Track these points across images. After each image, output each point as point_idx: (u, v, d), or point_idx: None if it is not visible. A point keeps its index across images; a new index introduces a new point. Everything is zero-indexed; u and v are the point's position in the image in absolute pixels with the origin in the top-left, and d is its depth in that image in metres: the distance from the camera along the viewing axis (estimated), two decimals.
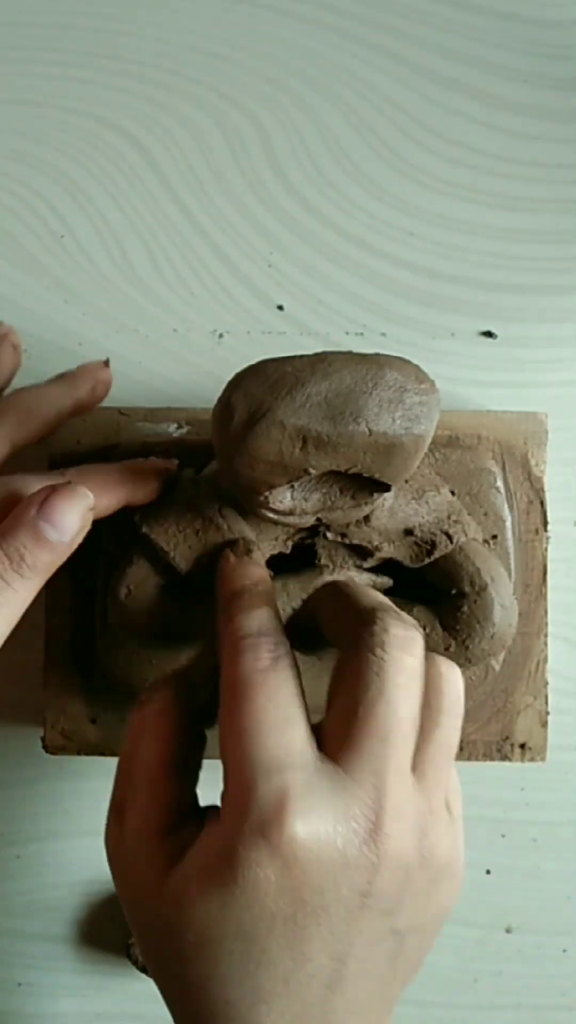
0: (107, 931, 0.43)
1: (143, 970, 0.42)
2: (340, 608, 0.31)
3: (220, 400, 0.31)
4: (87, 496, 0.32)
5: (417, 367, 0.30)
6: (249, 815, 0.26)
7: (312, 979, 0.27)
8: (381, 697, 0.27)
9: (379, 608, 0.29)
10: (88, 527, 0.32)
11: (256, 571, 0.33)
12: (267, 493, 0.32)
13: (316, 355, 0.30)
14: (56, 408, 0.39)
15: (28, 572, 0.31)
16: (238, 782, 0.26)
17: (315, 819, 0.26)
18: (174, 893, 0.27)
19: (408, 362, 0.30)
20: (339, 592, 0.32)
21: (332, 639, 0.31)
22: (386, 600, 0.30)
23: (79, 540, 0.32)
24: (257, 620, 0.30)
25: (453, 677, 0.30)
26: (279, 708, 0.27)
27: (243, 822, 0.26)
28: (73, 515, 0.31)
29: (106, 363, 0.41)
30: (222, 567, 0.33)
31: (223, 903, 0.26)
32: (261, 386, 0.30)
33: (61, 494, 0.31)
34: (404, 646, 0.28)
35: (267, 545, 0.35)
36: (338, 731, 0.28)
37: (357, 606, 0.30)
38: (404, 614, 0.29)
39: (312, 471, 0.30)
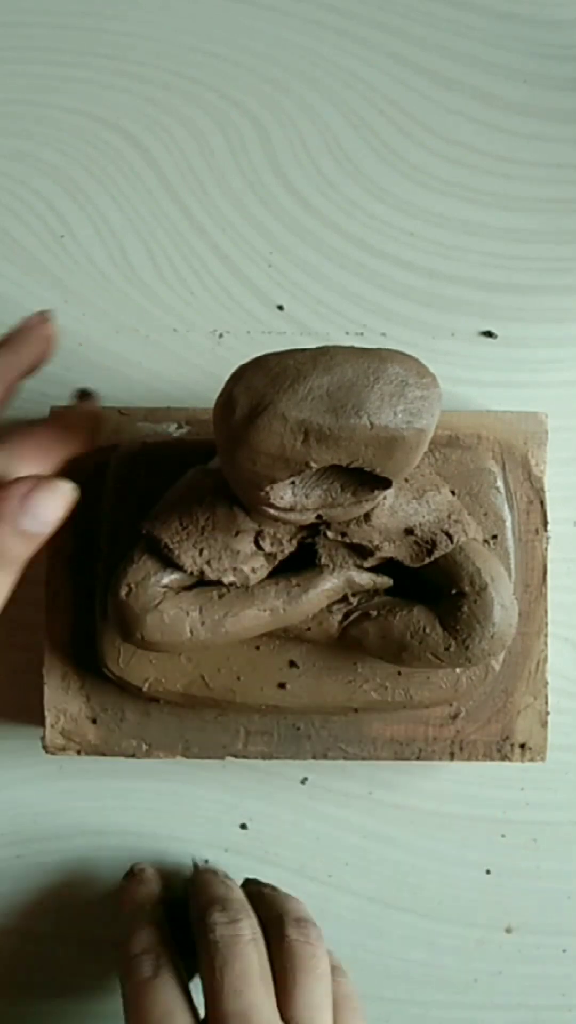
0: (107, 931, 0.43)
1: None
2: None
3: (222, 393, 0.31)
4: (68, 491, 0.33)
5: (418, 361, 0.30)
6: None
7: None
8: (227, 962, 0.35)
9: (206, 904, 0.38)
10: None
11: (143, 891, 0.41)
12: (268, 488, 0.32)
13: (318, 349, 0.30)
14: (4, 382, 0.37)
15: (6, 565, 0.33)
16: None
17: None
18: None
19: (410, 356, 0.31)
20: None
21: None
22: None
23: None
24: (140, 940, 0.38)
25: (301, 946, 0.37)
26: (162, 1006, 0.35)
27: None
28: (58, 508, 0.33)
29: (44, 316, 0.38)
30: (118, 892, 0.42)
31: None
32: (263, 379, 0.30)
33: (45, 489, 0.33)
34: (232, 924, 0.37)
35: (270, 544, 0.35)
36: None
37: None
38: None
39: (313, 465, 0.30)
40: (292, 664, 0.39)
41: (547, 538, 0.41)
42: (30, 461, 0.35)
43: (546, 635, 0.41)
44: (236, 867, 0.43)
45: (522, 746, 0.41)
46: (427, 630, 0.36)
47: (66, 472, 0.41)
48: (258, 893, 0.41)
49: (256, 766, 0.43)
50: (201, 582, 0.36)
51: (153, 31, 0.45)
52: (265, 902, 0.40)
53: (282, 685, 0.39)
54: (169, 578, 0.36)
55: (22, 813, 0.44)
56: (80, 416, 0.37)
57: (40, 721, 0.41)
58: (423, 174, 0.45)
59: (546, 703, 0.41)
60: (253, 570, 0.36)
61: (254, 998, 0.34)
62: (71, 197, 0.45)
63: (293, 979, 0.36)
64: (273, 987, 0.36)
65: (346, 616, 0.37)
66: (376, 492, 0.33)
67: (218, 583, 0.36)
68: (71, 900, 0.44)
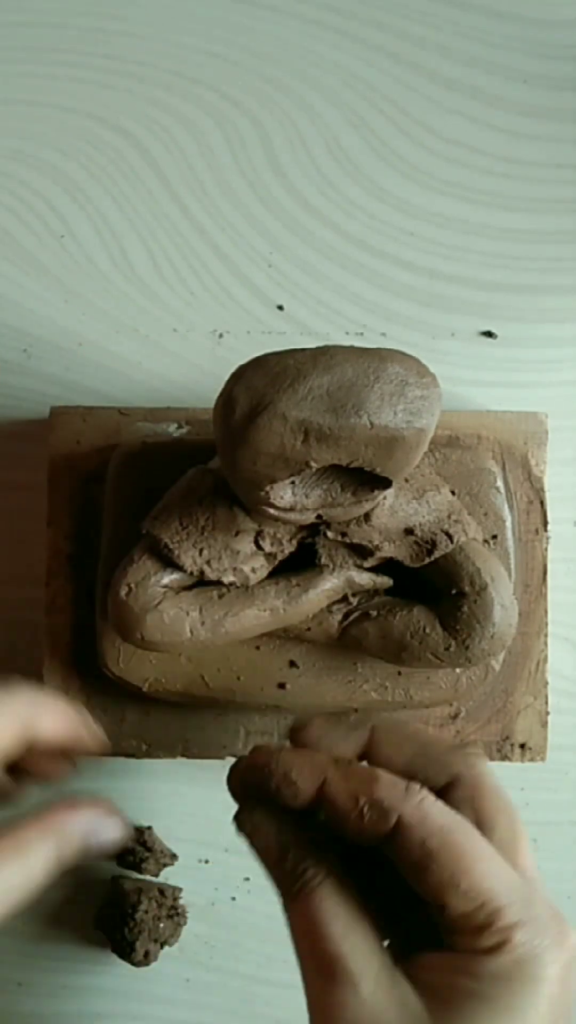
0: (107, 931, 0.43)
1: (138, 965, 0.42)
2: (422, 753, 0.31)
3: (222, 393, 0.31)
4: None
5: (418, 361, 0.30)
6: (542, 929, 0.27)
7: None
8: (509, 803, 0.30)
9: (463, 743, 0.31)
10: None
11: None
12: (268, 488, 0.32)
13: (318, 348, 0.30)
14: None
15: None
16: (507, 909, 0.27)
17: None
18: None
19: (409, 356, 0.31)
20: (415, 739, 0.31)
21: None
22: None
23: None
24: None
25: None
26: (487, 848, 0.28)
27: (540, 935, 0.27)
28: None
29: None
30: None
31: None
32: (263, 379, 0.30)
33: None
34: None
35: (270, 544, 0.35)
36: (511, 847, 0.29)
37: (440, 746, 0.31)
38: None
39: (313, 464, 0.30)
40: (292, 664, 0.39)
41: (547, 538, 0.41)
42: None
43: (546, 635, 0.41)
44: (236, 867, 0.43)
45: (522, 746, 0.41)
46: (427, 630, 0.36)
47: (65, 472, 0.41)
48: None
49: None
50: (201, 582, 0.36)
51: (153, 31, 0.45)
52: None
53: (282, 685, 0.39)
54: (169, 578, 0.36)
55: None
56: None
57: None
58: (423, 174, 0.45)
59: (546, 703, 0.41)
60: (253, 570, 0.36)
61: None
62: (71, 197, 0.45)
63: None
64: None
65: (346, 616, 0.37)
66: (376, 492, 0.33)
67: (218, 583, 0.36)
68: (71, 900, 0.44)
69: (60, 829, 0.32)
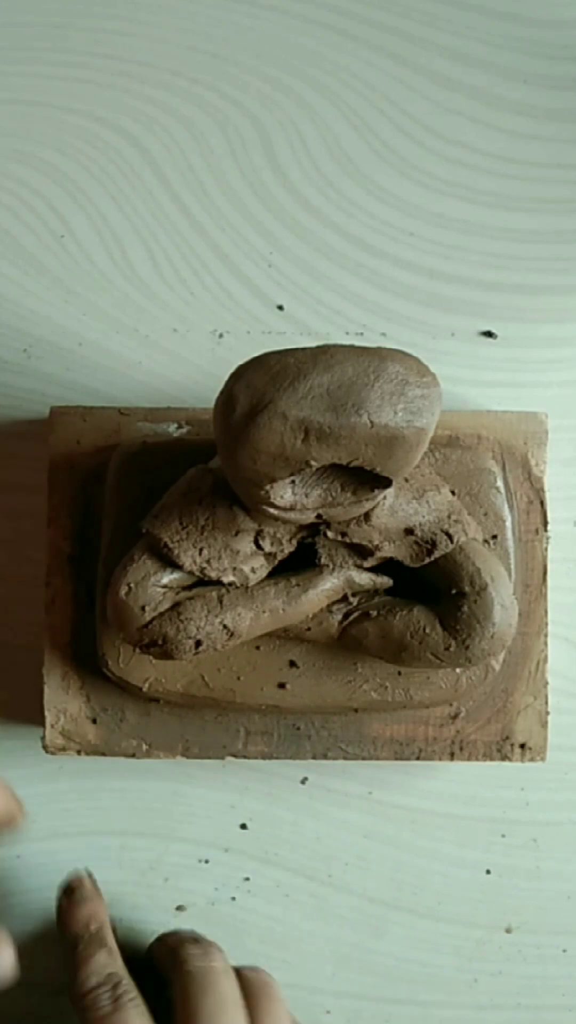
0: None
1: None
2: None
3: (222, 392, 0.31)
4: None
5: (418, 360, 0.31)
6: None
7: None
8: (204, 992, 0.35)
9: (178, 942, 0.38)
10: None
11: (85, 911, 0.39)
12: (268, 487, 0.32)
13: (318, 347, 0.30)
14: None
15: None
16: None
17: None
18: None
19: (410, 355, 0.31)
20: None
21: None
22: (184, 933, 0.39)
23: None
24: (94, 970, 0.36)
25: (264, 977, 0.38)
26: None
27: None
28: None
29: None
30: (57, 915, 0.39)
31: None
32: (263, 378, 0.30)
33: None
34: (206, 956, 0.37)
35: (270, 544, 0.35)
36: None
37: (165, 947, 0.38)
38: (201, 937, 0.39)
39: (313, 464, 0.30)
40: (292, 664, 0.39)
41: (547, 538, 0.41)
42: None
43: (546, 635, 0.41)
44: (236, 867, 0.43)
45: (522, 746, 0.41)
46: (427, 630, 0.36)
47: (65, 472, 0.41)
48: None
49: (256, 766, 0.43)
50: (201, 582, 0.36)
51: (153, 31, 0.45)
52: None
53: (282, 685, 0.39)
54: (169, 578, 0.36)
55: None
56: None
57: (40, 721, 0.41)
58: (423, 174, 0.45)
59: (546, 703, 0.41)
60: (253, 570, 0.36)
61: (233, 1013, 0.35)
62: (71, 197, 0.45)
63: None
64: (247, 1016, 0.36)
65: (346, 616, 0.37)
66: (376, 491, 0.33)
67: (218, 583, 0.36)
68: None
69: None
